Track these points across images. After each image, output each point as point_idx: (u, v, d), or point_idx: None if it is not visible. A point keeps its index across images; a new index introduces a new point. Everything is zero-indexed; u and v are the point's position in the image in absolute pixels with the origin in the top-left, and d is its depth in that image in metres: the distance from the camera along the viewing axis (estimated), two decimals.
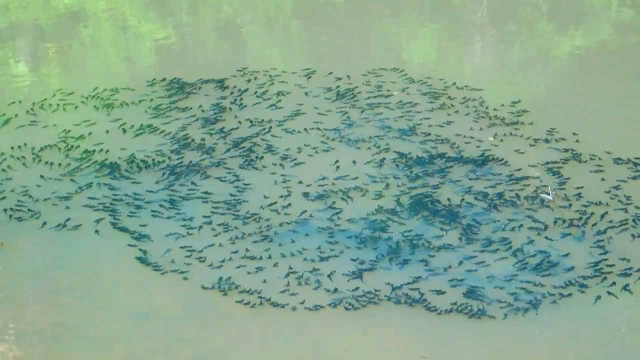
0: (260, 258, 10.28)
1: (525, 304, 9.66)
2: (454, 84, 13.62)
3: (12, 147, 12.34)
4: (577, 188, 11.36)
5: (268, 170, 11.81)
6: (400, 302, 9.67)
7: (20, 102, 13.45)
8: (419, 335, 9.39)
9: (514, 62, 15.12)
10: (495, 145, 12.20)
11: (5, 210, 11.13)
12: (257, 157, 12.04)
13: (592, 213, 10.92)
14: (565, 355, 9.19)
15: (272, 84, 13.82)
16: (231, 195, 11.33)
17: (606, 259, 10.22)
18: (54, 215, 11.07)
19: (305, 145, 12.29)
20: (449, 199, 11.19)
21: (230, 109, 13.16)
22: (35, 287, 10.06)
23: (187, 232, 10.72)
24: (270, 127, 12.67)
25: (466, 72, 14.46)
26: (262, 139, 12.41)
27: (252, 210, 11.03)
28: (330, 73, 14.02)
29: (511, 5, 17.02)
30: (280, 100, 13.39)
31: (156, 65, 15.03)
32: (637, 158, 11.84)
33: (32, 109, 13.28)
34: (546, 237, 10.58)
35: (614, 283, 9.92)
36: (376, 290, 9.83)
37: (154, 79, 14.00)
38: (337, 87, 13.70)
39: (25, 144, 12.43)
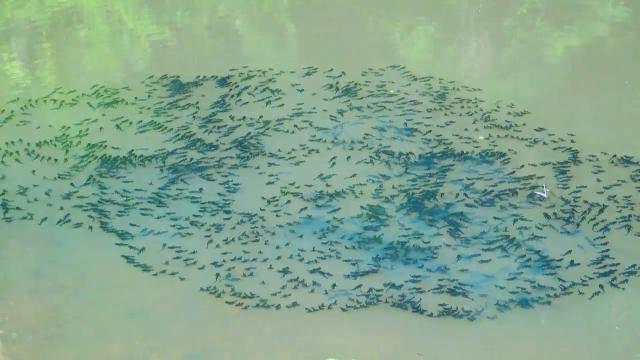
0: (254, 259, 10.25)
1: (524, 302, 9.65)
2: (453, 82, 13.62)
3: (7, 143, 12.34)
4: (571, 186, 11.37)
5: (264, 171, 11.80)
6: (396, 304, 9.64)
7: (18, 99, 13.43)
8: (415, 335, 9.39)
9: (510, 61, 15.12)
10: (495, 145, 12.18)
11: None
12: (252, 155, 12.03)
13: (589, 211, 10.93)
14: (564, 354, 9.18)
15: (271, 82, 13.82)
16: (220, 194, 11.31)
17: (607, 256, 10.22)
18: (49, 214, 11.06)
19: (301, 145, 12.27)
20: (445, 199, 11.20)
21: (229, 108, 13.14)
22: (29, 286, 10.05)
23: (181, 232, 10.71)
24: (268, 127, 12.65)
25: (462, 72, 14.45)
26: (259, 139, 12.39)
27: (247, 211, 11.00)
28: (331, 70, 14.03)
29: (507, 4, 17.02)
30: (280, 98, 13.39)
31: (152, 64, 15.01)
32: (628, 157, 11.84)
33: (26, 106, 13.27)
34: (540, 236, 10.58)
35: (614, 278, 9.93)
36: (375, 291, 9.81)
37: (152, 76, 14.00)
38: (335, 84, 13.70)
39: (21, 140, 12.43)
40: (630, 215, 10.85)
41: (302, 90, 13.59)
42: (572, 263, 10.15)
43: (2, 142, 12.42)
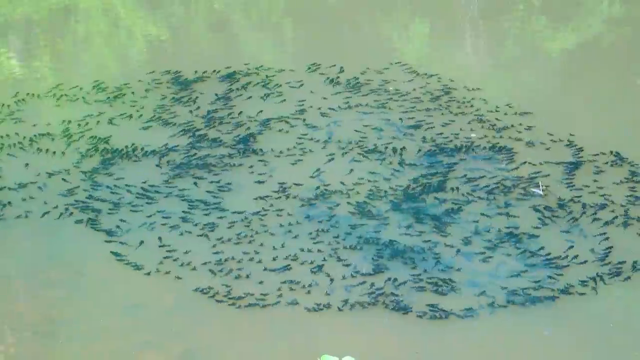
0: (251, 259, 10.23)
1: (523, 301, 9.65)
2: (452, 81, 13.63)
3: (2, 137, 12.35)
4: (570, 184, 11.37)
5: (260, 169, 11.77)
6: (394, 306, 9.64)
7: (17, 94, 13.43)
8: (412, 334, 9.38)
9: (507, 59, 15.13)
10: (497, 143, 12.18)
11: None
12: (249, 154, 12.02)
13: (586, 209, 10.93)
14: (563, 353, 9.18)
15: (269, 78, 13.82)
16: (211, 192, 11.30)
17: (607, 255, 10.23)
18: (45, 209, 11.06)
19: (298, 143, 12.26)
20: (443, 197, 11.19)
21: (229, 106, 13.14)
22: (25, 282, 10.04)
23: (177, 231, 10.70)
24: (267, 125, 12.64)
25: (461, 70, 14.45)
26: (257, 138, 12.38)
27: (242, 210, 10.98)
28: (333, 66, 14.03)
29: (503, 0, 17.04)
30: (280, 95, 13.41)
31: (150, 60, 15.01)
32: (617, 152, 11.83)
33: (24, 99, 13.28)
34: (535, 235, 10.57)
35: (617, 274, 9.96)
36: (375, 291, 9.79)
37: (153, 71, 14.02)
38: (336, 79, 13.72)
39: (17, 134, 12.44)
40: (627, 213, 10.86)
41: (302, 84, 13.61)
42: (571, 261, 10.15)
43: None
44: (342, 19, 16.58)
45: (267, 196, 11.21)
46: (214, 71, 14.08)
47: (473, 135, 12.40)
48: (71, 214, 10.96)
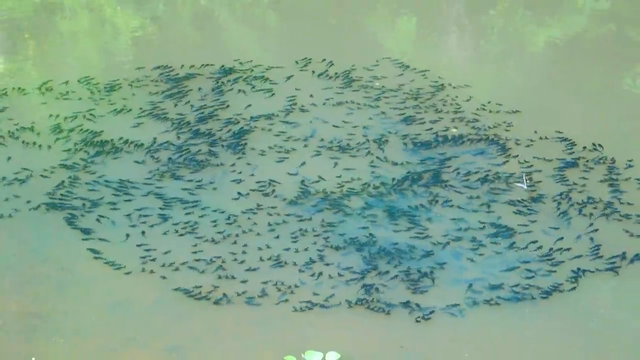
0: (235, 260, 10.20)
1: (511, 298, 9.68)
2: (440, 78, 13.65)
3: None
4: (560, 179, 11.42)
5: (246, 168, 11.75)
6: (375, 301, 9.65)
7: (5, 89, 13.41)
8: (398, 328, 9.39)
9: (494, 54, 15.14)
10: (481, 138, 12.20)
11: None
12: (241, 150, 12.01)
13: (572, 204, 10.97)
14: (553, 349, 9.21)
15: (254, 74, 13.82)
16: (190, 192, 11.28)
17: (597, 250, 10.27)
18: (29, 205, 11.04)
19: (283, 142, 12.24)
20: (426, 193, 11.22)
21: (217, 103, 13.12)
22: (9, 278, 10.01)
23: (157, 230, 10.69)
24: (255, 123, 12.62)
25: (446, 65, 14.46)
26: (244, 135, 12.35)
27: (226, 209, 10.96)
28: (326, 61, 14.03)
29: None
30: (271, 90, 13.42)
31: (138, 56, 14.98)
32: (594, 146, 11.87)
33: (6, 94, 13.26)
34: (519, 232, 10.60)
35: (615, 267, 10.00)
36: (362, 287, 9.80)
37: (143, 67, 14.00)
38: (324, 72, 13.72)
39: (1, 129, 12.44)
40: (609, 206, 10.90)
41: (290, 77, 13.63)
42: (555, 251, 10.18)
43: None
44: (328, 14, 16.58)
45: (247, 194, 11.19)
46: (202, 65, 14.08)
47: (454, 130, 12.43)
48: (52, 210, 10.94)
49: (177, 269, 10.05)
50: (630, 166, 11.55)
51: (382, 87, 13.45)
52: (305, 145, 12.14)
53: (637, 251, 10.25)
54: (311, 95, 13.24)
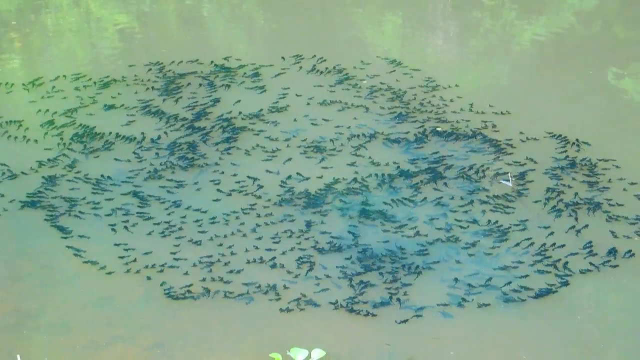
0: (218, 261, 10.18)
1: (501, 298, 9.68)
2: (431, 79, 13.66)
3: None
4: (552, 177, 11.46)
5: (226, 169, 11.73)
6: (361, 299, 9.67)
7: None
8: (383, 326, 9.41)
9: (482, 54, 15.17)
10: (473, 132, 12.23)
11: None
12: (226, 151, 12.01)
13: (560, 200, 11.01)
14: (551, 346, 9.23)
15: (249, 76, 13.84)
16: (168, 190, 11.27)
17: (589, 248, 10.29)
18: (15, 202, 11.02)
19: (270, 142, 12.23)
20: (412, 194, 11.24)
21: (208, 102, 13.11)
22: None
23: (138, 230, 10.68)
24: (244, 122, 12.63)
25: (433, 63, 14.48)
26: (235, 136, 12.33)
27: (212, 210, 10.95)
28: (314, 58, 14.02)
29: None
30: (261, 87, 13.43)
31: (124, 54, 14.96)
32: (577, 142, 11.91)
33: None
34: (509, 230, 10.64)
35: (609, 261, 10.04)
36: (349, 284, 9.81)
37: (134, 65, 14.00)
38: (313, 68, 13.74)
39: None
40: (594, 205, 10.94)
41: (280, 74, 13.64)
42: (546, 255, 10.23)
43: None
44: (314, 12, 16.59)
45: (229, 194, 11.19)
46: (190, 61, 14.08)
47: (439, 129, 12.45)
48: (33, 208, 10.94)
49: (161, 270, 10.03)
50: (617, 167, 11.57)
51: (372, 86, 13.45)
52: (288, 146, 12.12)
53: (622, 250, 10.29)
54: (297, 95, 13.26)
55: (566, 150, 11.89)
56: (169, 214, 10.85)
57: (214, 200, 11.06)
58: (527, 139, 12.16)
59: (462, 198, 11.03)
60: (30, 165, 11.64)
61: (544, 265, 10.01)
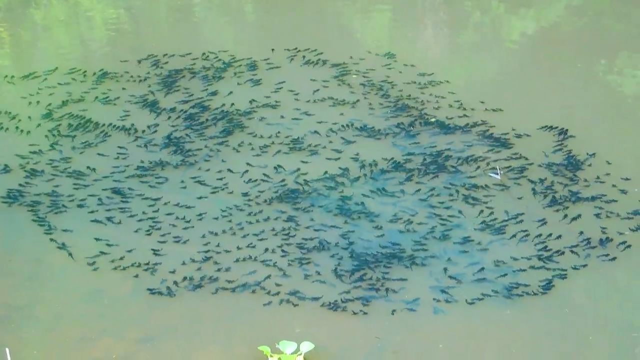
0: (208, 259, 10.17)
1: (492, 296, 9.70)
2: (425, 75, 13.66)
3: None
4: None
5: (219, 166, 11.73)
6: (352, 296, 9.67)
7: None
8: (373, 320, 9.41)
9: (471, 48, 15.18)
10: (465, 122, 12.24)
11: None
12: (216, 148, 12.01)
13: (549, 193, 11.02)
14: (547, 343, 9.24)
15: (238, 67, 13.84)
16: (150, 186, 11.31)
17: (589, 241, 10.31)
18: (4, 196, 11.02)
19: (260, 138, 12.22)
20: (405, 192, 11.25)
21: (203, 97, 13.11)
22: None
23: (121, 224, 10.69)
24: (238, 117, 12.62)
25: (424, 61, 14.45)
26: (223, 133, 12.32)
27: (199, 207, 10.94)
28: (307, 49, 14.02)
29: None
30: (259, 79, 13.44)
31: (114, 48, 14.94)
32: (564, 132, 11.92)
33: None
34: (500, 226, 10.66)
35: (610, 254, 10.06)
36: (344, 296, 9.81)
37: (127, 60, 14.00)
38: (304, 58, 13.75)
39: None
40: (591, 199, 10.96)
41: (275, 67, 13.66)
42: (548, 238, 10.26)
43: None
44: (304, 5, 16.59)
45: (217, 190, 11.21)
46: (181, 55, 14.08)
47: (433, 120, 12.46)
48: (20, 201, 10.94)
49: (151, 267, 10.02)
50: (608, 162, 11.56)
51: (369, 80, 13.46)
52: (273, 142, 12.10)
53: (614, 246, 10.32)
54: (290, 90, 13.27)
55: (560, 145, 11.89)
56: (155, 211, 10.85)
57: (198, 198, 11.05)
58: (520, 135, 12.12)
59: (450, 194, 11.03)
60: (18, 159, 11.64)
61: (537, 260, 10.02)
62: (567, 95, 13.24)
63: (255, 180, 11.29)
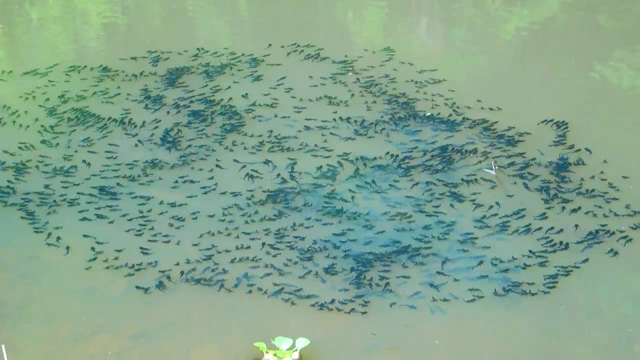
0: (205, 257, 10.18)
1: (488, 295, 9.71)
2: (421, 71, 13.68)
3: None
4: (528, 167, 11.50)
5: (208, 166, 11.72)
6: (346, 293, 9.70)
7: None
8: (370, 316, 9.43)
9: (466, 44, 15.19)
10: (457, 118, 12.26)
11: None
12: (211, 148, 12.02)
13: (552, 190, 11.04)
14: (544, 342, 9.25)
15: (236, 64, 13.84)
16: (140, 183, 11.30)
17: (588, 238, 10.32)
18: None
19: (257, 137, 12.22)
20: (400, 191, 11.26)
21: (197, 94, 13.11)
22: None
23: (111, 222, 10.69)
24: (238, 116, 12.62)
25: (419, 57, 14.47)
26: (220, 132, 12.32)
27: (207, 207, 10.94)
28: (305, 45, 14.01)
29: None
30: (258, 75, 13.45)
31: (113, 46, 14.95)
32: (558, 125, 11.93)
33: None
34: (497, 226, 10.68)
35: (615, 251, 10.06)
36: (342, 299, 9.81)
37: (125, 59, 14.01)
38: (299, 52, 13.77)
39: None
40: (589, 196, 10.97)
41: (270, 64, 13.64)
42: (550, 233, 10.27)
43: None
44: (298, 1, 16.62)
45: (212, 189, 11.21)
46: (177, 52, 14.09)
47: (428, 114, 12.47)
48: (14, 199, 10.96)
49: (145, 265, 10.04)
50: (605, 161, 11.57)
51: (369, 77, 13.47)
52: (268, 142, 12.13)
53: (613, 245, 10.32)
54: (286, 90, 13.29)
55: (558, 143, 11.91)
56: (148, 210, 10.85)
57: (188, 197, 11.06)
58: (518, 133, 12.14)
59: (448, 192, 11.04)
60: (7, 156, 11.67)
61: (535, 258, 10.04)
62: (563, 91, 13.26)
63: (252, 178, 11.31)
